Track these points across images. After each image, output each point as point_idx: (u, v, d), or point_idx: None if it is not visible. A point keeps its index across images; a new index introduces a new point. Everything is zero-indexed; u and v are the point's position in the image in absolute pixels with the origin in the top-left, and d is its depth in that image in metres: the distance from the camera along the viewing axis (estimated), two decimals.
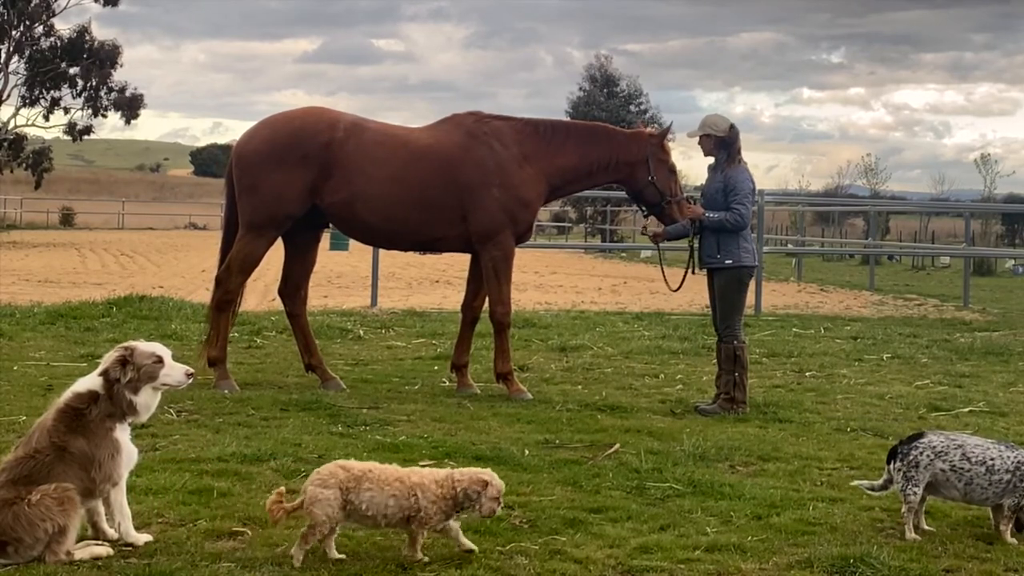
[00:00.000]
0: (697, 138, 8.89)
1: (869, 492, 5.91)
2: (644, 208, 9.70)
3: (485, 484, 4.94)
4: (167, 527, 5.34)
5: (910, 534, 5.51)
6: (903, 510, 5.58)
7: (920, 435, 5.76)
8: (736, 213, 8.65)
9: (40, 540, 4.74)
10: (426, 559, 4.92)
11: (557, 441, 7.49)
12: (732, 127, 8.81)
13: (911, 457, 5.59)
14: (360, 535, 5.24)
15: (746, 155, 8.98)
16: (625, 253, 37.76)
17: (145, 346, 5.16)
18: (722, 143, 8.79)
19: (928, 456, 5.57)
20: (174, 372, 5.16)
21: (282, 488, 5.01)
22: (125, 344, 5.17)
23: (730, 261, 8.71)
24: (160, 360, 5.11)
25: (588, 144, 9.48)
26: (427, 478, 4.95)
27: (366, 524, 4.98)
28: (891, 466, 5.70)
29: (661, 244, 9.55)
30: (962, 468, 5.55)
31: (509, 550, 5.09)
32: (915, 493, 5.55)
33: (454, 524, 5.01)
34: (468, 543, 5.01)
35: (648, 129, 10.01)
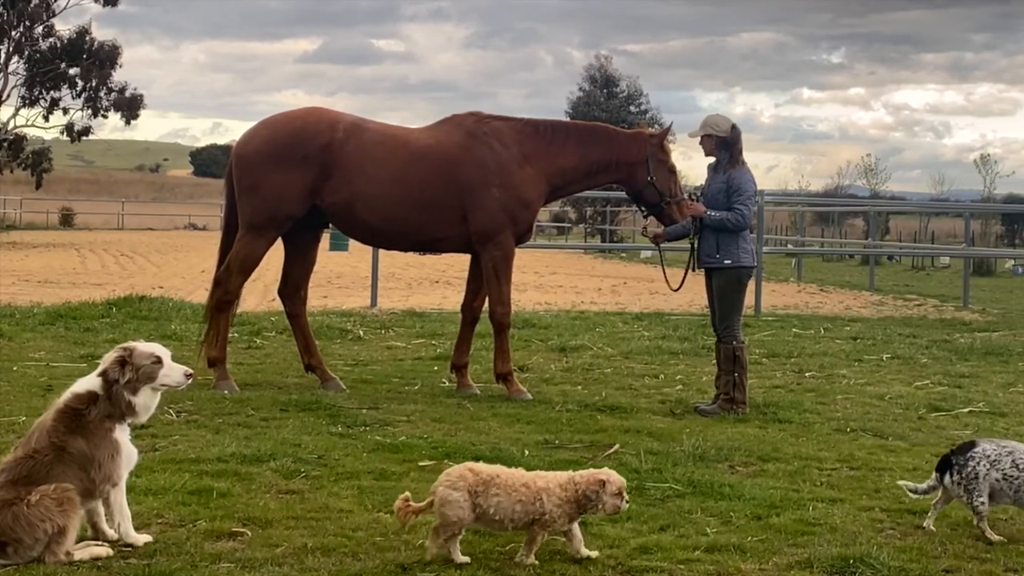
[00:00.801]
0: (699, 138, 8.89)
1: (912, 494, 5.87)
2: (644, 208, 9.71)
3: (603, 483, 5.00)
4: (167, 527, 5.33)
5: (992, 536, 5.50)
6: (975, 520, 5.57)
7: (972, 444, 5.70)
8: (738, 213, 8.65)
9: (40, 541, 4.73)
10: (536, 562, 4.96)
11: (557, 441, 7.49)
12: (734, 127, 8.81)
13: (969, 469, 5.56)
14: (360, 535, 5.25)
15: (746, 155, 8.97)
16: (625, 253, 37.77)
17: (144, 347, 5.16)
18: (723, 143, 8.79)
19: (985, 466, 5.55)
20: (173, 373, 5.15)
21: (407, 493, 5.06)
22: (124, 345, 5.17)
23: (729, 261, 8.71)
24: (159, 361, 5.11)
25: (588, 144, 9.48)
26: (552, 482, 5.01)
27: (492, 527, 5.04)
28: (946, 478, 5.63)
29: (661, 244, 9.55)
30: (1012, 476, 5.55)
31: (509, 550, 5.09)
32: (983, 503, 5.53)
33: (577, 530, 5.07)
34: (587, 551, 5.04)
35: (649, 130, 10.01)
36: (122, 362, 5.03)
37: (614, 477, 5.04)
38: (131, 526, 5.08)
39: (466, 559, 4.94)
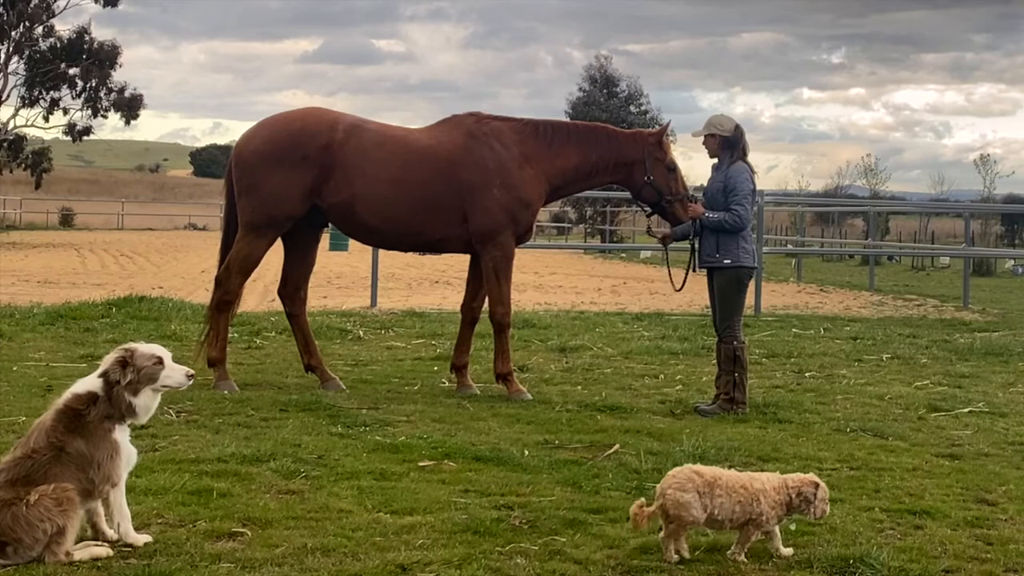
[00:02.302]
0: (702, 138, 8.89)
1: None
2: (646, 208, 9.72)
3: (817, 485, 5.18)
4: (167, 528, 5.33)
5: None
6: None
7: None
8: (735, 214, 8.65)
9: (39, 541, 4.73)
10: (747, 560, 5.08)
11: (557, 442, 7.49)
12: (737, 127, 8.83)
13: None
14: (360, 535, 5.25)
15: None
16: (625, 253, 37.74)
17: (145, 348, 5.15)
18: (727, 143, 8.80)
19: None
20: (174, 374, 5.15)
21: (642, 499, 5.15)
22: (125, 346, 5.16)
23: (729, 261, 8.71)
24: (160, 362, 5.11)
25: (588, 145, 9.49)
26: (767, 484, 5.17)
27: (712, 527, 5.18)
28: None
29: (668, 244, 9.54)
30: None
31: (509, 550, 5.09)
32: None
33: (776, 530, 5.20)
34: (785, 550, 5.16)
35: (647, 130, 10.02)
36: (123, 363, 5.02)
37: (822, 483, 5.24)
38: (131, 526, 5.08)
39: (687, 556, 5.06)
